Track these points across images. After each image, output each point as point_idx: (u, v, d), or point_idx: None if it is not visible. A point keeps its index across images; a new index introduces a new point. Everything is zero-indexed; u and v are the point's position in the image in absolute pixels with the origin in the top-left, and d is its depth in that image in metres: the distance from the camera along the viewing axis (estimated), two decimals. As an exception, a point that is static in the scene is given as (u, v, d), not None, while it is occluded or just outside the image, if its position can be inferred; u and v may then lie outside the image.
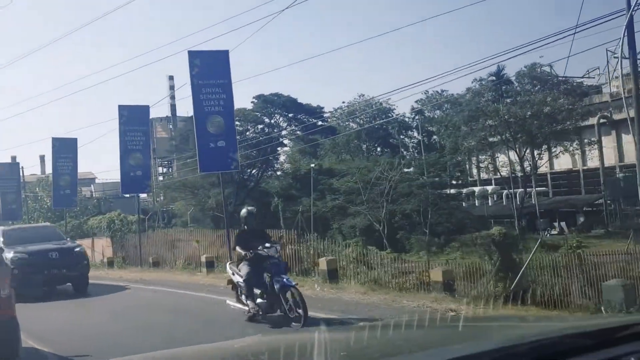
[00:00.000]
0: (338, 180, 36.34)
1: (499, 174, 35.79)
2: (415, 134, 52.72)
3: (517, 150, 33.44)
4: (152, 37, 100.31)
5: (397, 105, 56.54)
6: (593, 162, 37.77)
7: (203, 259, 17.11)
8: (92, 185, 47.75)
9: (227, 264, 9.77)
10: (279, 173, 44.03)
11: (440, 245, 30.81)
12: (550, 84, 35.69)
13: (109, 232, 27.41)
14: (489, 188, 40.88)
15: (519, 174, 35.13)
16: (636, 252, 16.78)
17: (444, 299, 8.24)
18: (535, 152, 34.30)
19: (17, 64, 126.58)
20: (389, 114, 48.96)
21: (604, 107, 37.22)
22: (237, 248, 8.81)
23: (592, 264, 17.87)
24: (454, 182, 40.76)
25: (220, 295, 10.72)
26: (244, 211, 9.67)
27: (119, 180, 47.80)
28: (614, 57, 38.86)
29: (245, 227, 9.36)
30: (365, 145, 51.49)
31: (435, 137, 50.15)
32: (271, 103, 40.92)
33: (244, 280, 8.55)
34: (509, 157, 34.86)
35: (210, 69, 14.17)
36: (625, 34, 14.38)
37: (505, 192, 38.34)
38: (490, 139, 34.49)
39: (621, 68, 38.67)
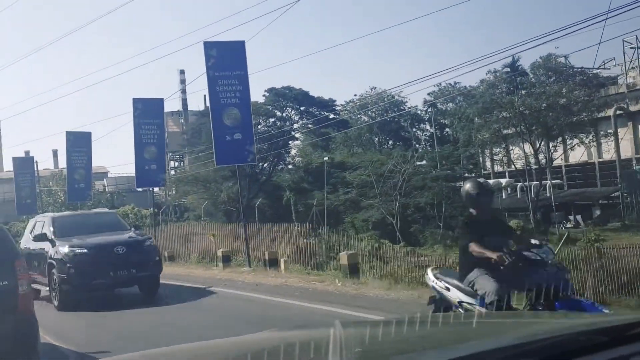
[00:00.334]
0: (351, 173, 36.16)
1: (513, 166, 35.42)
2: (428, 127, 52.34)
3: (532, 142, 33.07)
4: (163, 31, 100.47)
5: (409, 98, 56.19)
6: (609, 155, 37.30)
7: (219, 253, 16.94)
8: (104, 179, 47.87)
9: (429, 270, 6.13)
10: (290, 167, 43.94)
11: (455, 238, 30.54)
12: (565, 75, 35.22)
13: (122, 226, 27.29)
14: (503, 181, 40.53)
15: (534, 167, 34.76)
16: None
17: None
18: (550, 145, 33.91)
19: (27, 59, 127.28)
20: (401, 107, 48.64)
21: (620, 99, 36.72)
22: (473, 246, 5.29)
23: (612, 257, 17.64)
24: (467, 175, 40.44)
25: (242, 290, 10.53)
26: (470, 186, 5.83)
27: (132, 174, 48.20)
28: (631, 48, 38.42)
29: (476, 211, 5.72)
30: (377, 139, 51.20)
31: (447, 129, 49.77)
32: (283, 96, 40.76)
33: (488, 303, 4.96)
34: (523, 150, 34.49)
35: (226, 60, 13.98)
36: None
37: (519, 184, 37.99)
38: (505, 132, 34.13)
39: (639, 59, 38.36)
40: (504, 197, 39.97)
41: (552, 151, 34.21)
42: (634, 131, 36.86)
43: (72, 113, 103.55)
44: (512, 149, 36.01)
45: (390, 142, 51.15)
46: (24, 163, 34.75)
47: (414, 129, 52.22)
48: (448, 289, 5.45)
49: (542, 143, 33.63)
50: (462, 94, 44.65)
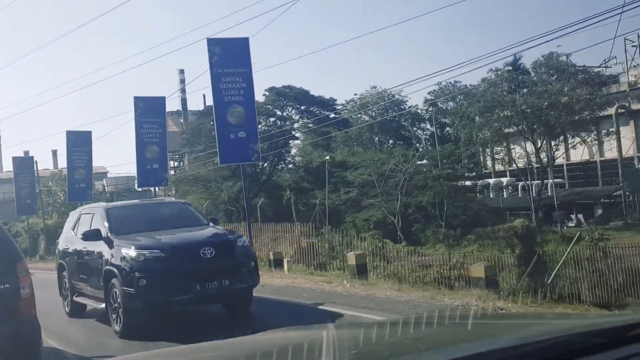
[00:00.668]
0: (352, 172, 36.03)
1: (515, 165, 35.32)
2: (428, 126, 52.24)
3: (534, 141, 32.96)
4: (161, 30, 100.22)
5: (410, 97, 56.10)
6: (610, 153, 37.19)
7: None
8: (104, 180, 47.69)
9: None
10: (290, 166, 43.81)
11: (457, 238, 30.42)
12: (567, 73, 35.13)
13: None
14: (504, 180, 40.39)
15: (535, 166, 34.65)
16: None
17: (488, 297, 7.76)
18: (552, 143, 33.80)
19: (26, 59, 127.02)
20: (402, 106, 48.54)
21: (621, 97, 36.61)
22: None
23: (616, 256, 17.48)
24: (467, 174, 40.33)
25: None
26: None
27: (131, 174, 48.19)
28: (632, 46, 38.30)
29: None
30: (377, 138, 51.10)
31: (448, 129, 49.66)
32: (283, 95, 40.61)
33: None
34: (525, 149, 34.38)
35: (230, 57, 13.80)
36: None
37: (520, 183, 37.86)
38: (506, 130, 34.03)
39: (640, 57, 38.23)
40: (504, 196, 39.85)
41: (553, 150, 34.10)
42: (635, 130, 36.76)
43: (71, 113, 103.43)
44: (513, 148, 35.91)
45: (391, 142, 51.05)
46: (24, 163, 34.54)
47: (415, 128, 52.10)
48: None
49: (544, 142, 33.52)
50: (462, 93, 44.53)
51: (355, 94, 52.20)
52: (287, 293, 10.38)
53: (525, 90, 35.05)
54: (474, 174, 41.01)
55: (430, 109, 50.00)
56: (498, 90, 35.55)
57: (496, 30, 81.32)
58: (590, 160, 38.91)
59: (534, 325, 2.52)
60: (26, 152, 41.89)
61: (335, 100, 43.93)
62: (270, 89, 39.56)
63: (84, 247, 9.45)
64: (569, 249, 14.34)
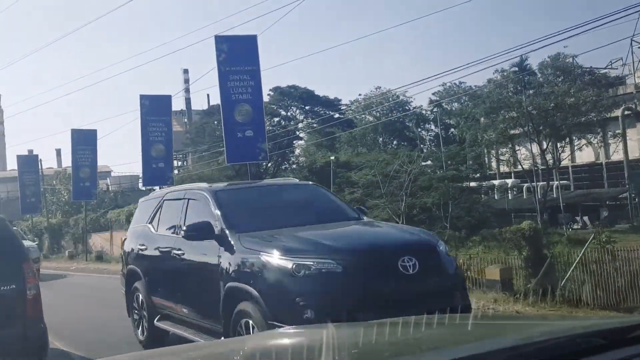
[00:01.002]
0: (356, 173, 35.96)
1: (520, 166, 35.17)
2: (433, 127, 52.11)
3: (539, 142, 32.82)
4: (165, 30, 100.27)
5: (414, 98, 55.93)
6: (616, 155, 37.01)
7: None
8: (107, 179, 47.67)
9: None
10: (294, 166, 43.76)
11: (461, 239, 30.28)
12: (573, 75, 34.99)
13: (128, 225, 27.06)
14: (509, 181, 40.24)
15: (541, 167, 34.50)
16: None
17: (505, 300, 7.60)
18: (558, 145, 33.65)
19: (30, 58, 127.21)
20: (406, 107, 48.44)
21: (628, 99, 36.42)
22: None
23: (625, 259, 17.33)
24: (472, 175, 40.21)
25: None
26: None
27: (135, 174, 48.17)
28: (639, 48, 38.08)
29: None
30: (381, 139, 51.00)
31: (452, 130, 49.52)
32: (288, 95, 40.57)
33: None
34: (531, 150, 34.23)
35: (238, 55, 13.67)
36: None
37: (525, 185, 37.71)
38: (511, 132, 33.90)
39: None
40: (509, 197, 39.68)
41: (559, 151, 33.96)
42: (643, 132, 36.57)
43: (74, 113, 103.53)
44: (518, 149, 35.75)
45: (395, 142, 50.92)
46: (28, 161, 34.48)
47: (419, 129, 51.99)
48: None
49: (550, 143, 33.37)
50: (468, 94, 44.39)
51: (360, 95, 52.04)
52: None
53: (531, 92, 34.93)
54: (478, 175, 40.89)
55: (435, 109, 49.87)
56: (504, 91, 35.43)
57: (503, 30, 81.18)
58: (596, 162, 38.73)
59: (534, 325, 2.50)
60: (30, 151, 41.90)
61: (340, 100, 43.95)
62: (275, 89, 39.54)
63: (179, 249, 6.56)
64: (582, 252, 14.17)
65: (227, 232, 5.85)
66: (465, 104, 46.59)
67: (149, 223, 7.61)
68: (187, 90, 56.52)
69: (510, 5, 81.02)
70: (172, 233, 6.92)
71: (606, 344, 1.79)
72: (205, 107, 52.38)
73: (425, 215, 33.59)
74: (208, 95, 54.95)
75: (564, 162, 36.66)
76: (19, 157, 35.47)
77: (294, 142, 43.57)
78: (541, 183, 34.60)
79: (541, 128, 32.33)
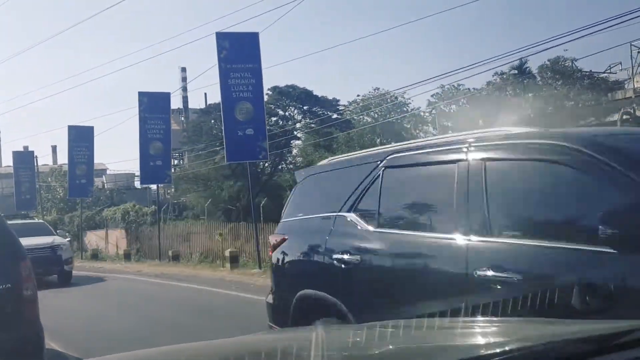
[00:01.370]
0: (354, 174, 35.82)
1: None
2: (431, 129, 52.00)
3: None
4: (163, 28, 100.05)
5: (412, 99, 55.88)
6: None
7: (227, 253, 16.37)
8: (103, 176, 47.37)
9: None
10: (291, 166, 43.56)
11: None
12: (573, 78, 34.95)
13: (123, 223, 26.91)
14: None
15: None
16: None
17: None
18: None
19: (24, 55, 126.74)
20: (405, 108, 48.31)
21: (627, 104, 36.37)
22: None
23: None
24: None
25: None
26: None
27: (131, 172, 47.88)
28: (639, 52, 38.04)
29: None
30: (379, 140, 50.84)
31: (450, 132, 49.43)
32: (286, 95, 40.32)
33: None
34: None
35: (239, 52, 13.46)
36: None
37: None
38: (510, 135, 33.87)
39: (647, 63, 37.99)
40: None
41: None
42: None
43: (70, 109, 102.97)
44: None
45: (392, 144, 50.79)
46: (24, 158, 34.22)
47: (417, 131, 51.90)
48: None
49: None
50: (467, 96, 44.34)
51: (358, 95, 51.86)
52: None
53: (530, 95, 34.86)
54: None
55: (433, 111, 49.76)
56: (503, 94, 35.35)
57: (503, 33, 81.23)
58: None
59: (525, 330, 2.45)
60: (26, 147, 41.56)
61: (338, 101, 43.71)
62: (273, 88, 39.28)
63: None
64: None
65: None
66: (463, 106, 46.52)
67: (350, 211, 4.16)
68: (184, 89, 56.28)
69: (511, 8, 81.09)
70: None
71: (595, 349, 1.78)
72: (203, 105, 52.14)
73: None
74: (205, 94, 54.72)
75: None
76: (14, 153, 35.22)
77: (291, 142, 43.36)
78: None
79: (540, 131, 32.30)
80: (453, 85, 48.95)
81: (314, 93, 41.26)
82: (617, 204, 2.81)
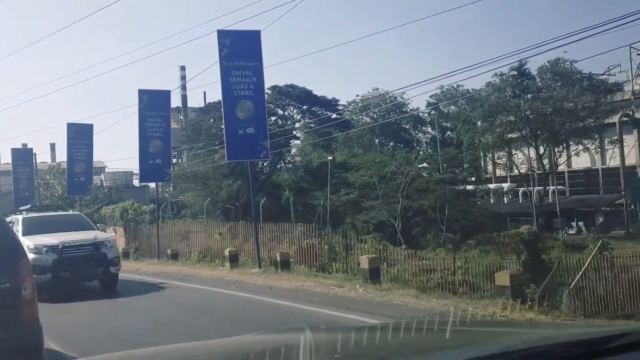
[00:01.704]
0: (353, 174, 35.78)
1: (517, 170, 35.12)
2: (430, 130, 52.02)
3: (537, 147, 32.78)
4: (162, 26, 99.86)
5: (411, 100, 55.87)
6: (612, 162, 37.01)
7: (226, 252, 16.29)
8: (102, 174, 47.25)
9: None
10: (290, 166, 43.52)
11: (457, 242, 30.23)
12: (572, 80, 35.00)
13: (122, 221, 26.83)
14: (505, 185, 40.19)
15: (537, 172, 34.46)
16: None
17: (515, 307, 7.37)
18: (555, 150, 33.63)
19: (24, 51, 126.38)
20: (404, 109, 48.32)
21: (625, 105, 36.45)
22: None
23: (624, 267, 17.22)
24: (469, 178, 40.18)
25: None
26: None
27: (129, 170, 47.75)
28: (638, 54, 38.10)
29: None
30: (378, 140, 50.85)
31: (449, 132, 49.43)
32: (286, 94, 40.27)
33: None
34: (528, 154, 34.20)
35: (240, 50, 13.39)
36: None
37: (521, 189, 37.67)
38: (509, 135, 33.86)
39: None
40: (505, 202, 39.64)
41: (556, 156, 33.93)
42: (639, 138, 36.60)
43: (68, 107, 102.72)
44: (515, 154, 35.70)
45: (392, 144, 50.79)
46: (23, 155, 34.12)
47: (416, 132, 51.90)
48: None
49: (547, 148, 33.34)
50: (466, 97, 44.34)
51: (357, 95, 51.85)
52: (297, 297, 9.95)
53: (529, 96, 34.89)
54: (474, 178, 40.86)
55: (432, 112, 49.79)
56: (502, 95, 35.39)
57: (502, 34, 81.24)
58: (592, 168, 38.74)
59: (516, 334, 2.49)
60: (24, 145, 41.45)
61: (337, 100, 43.70)
62: (273, 88, 39.23)
63: None
64: (589, 260, 14.05)
65: None
66: (462, 107, 46.53)
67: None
68: (183, 87, 56.14)
69: (512, 9, 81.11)
70: None
71: (586, 353, 1.80)
72: (202, 104, 52.07)
73: (420, 218, 33.50)
74: (204, 92, 54.66)
75: (560, 168, 36.66)
76: (13, 150, 35.10)
77: (290, 141, 43.33)
78: (537, 188, 34.55)
79: (539, 132, 32.29)
80: (452, 86, 49.07)
81: (314, 93, 41.20)
82: None
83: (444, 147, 42.28)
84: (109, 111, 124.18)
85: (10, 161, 36.61)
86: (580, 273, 13.09)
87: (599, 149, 36.17)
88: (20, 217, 13.52)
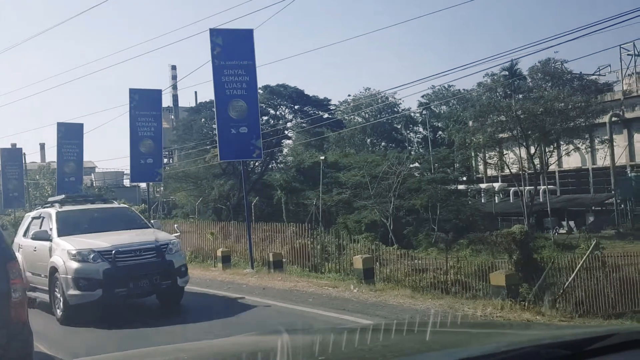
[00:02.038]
0: (344, 174, 35.76)
1: (508, 170, 35.25)
2: (421, 129, 52.14)
3: (528, 146, 32.91)
4: (153, 25, 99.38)
5: (403, 100, 56.02)
6: (602, 161, 37.24)
7: (219, 253, 16.20)
8: (92, 174, 46.96)
9: None
10: (281, 166, 43.43)
11: (449, 242, 30.30)
12: (563, 80, 35.16)
13: (112, 222, 26.58)
14: (496, 185, 40.32)
15: (528, 172, 34.60)
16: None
17: (512, 307, 7.33)
18: (546, 150, 33.77)
19: (12, 51, 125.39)
20: (395, 109, 48.38)
21: (615, 105, 36.68)
22: None
23: (615, 266, 17.32)
24: (460, 178, 40.30)
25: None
26: None
27: (119, 170, 47.48)
28: (628, 55, 38.38)
29: None
30: (369, 140, 50.91)
31: (440, 132, 49.58)
32: (277, 94, 40.15)
33: None
34: (519, 154, 34.33)
35: (233, 49, 13.28)
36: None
37: (512, 189, 37.81)
38: (500, 135, 33.97)
39: (635, 66, 38.36)
40: (496, 201, 39.77)
41: (547, 156, 34.08)
42: (628, 138, 36.84)
43: (58, 107, 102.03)
44: (506, 153, 35.82)
45: (383, 144, 50.86)
46: (12, 155, 33.76)
47: (408, 131, 52.01)
48: None
49: (537, 148, 33.49)
50: (457, 97, 44.47)
51: (349, 95, 51.87)
52: (291, 298, 9.86)
53: (520, 96, 35.02)
54: (465, 178, 40.99)
55: (423, 112, 49.90)
56: (493, 95, 35.50)
57: (494, 34, 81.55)
58: (582, 167, 38.96)
59: (501, 335, 2.49)
60: (13, 145, 41.11)
61: (329, 100, 43.64)
62: (265, 87, 39.10)
63: None
64: (583, 259, 14.09)
65: None
66: (454, 107, 46.66)
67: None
68: (174, 87, 55.92)
69: (503, 9, 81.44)
70: None
71: (571, 354, 1.80)
72: (193, 104, 51.89)
73: (412, 217, 33.54)
74: (196, 92, 54.60)
75: (551, 167, 36.83)
76: (2, 150, 34.74)
77: (282, 141, 43.23)
78: (528, 187, 34.69)
79: (530, 132, 32.42)
80: (444, 87, 49.22)
81: (305, 93, 41.11)
82: None
83: (435, 147, 42.38)
84: (99, 111, 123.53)
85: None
86: (574, 273, 13.11)
87: (589, 149, 36.37)
88: (53, 212, 10.33)
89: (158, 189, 43.58)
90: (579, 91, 33.74)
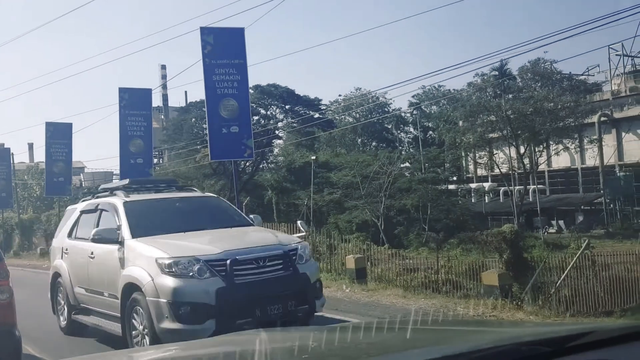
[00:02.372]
0: (335, 174, 35.78)
1: (498, 169, 35.43)
2: (412, 129, 52.27)
3: (517, 146, 33.08)
4: (142, 25, 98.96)
5: (394, 100, 56.12)
6: (591, 161, 37.50)
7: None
8: (81, 175, 46.64)
9: None
10: (272, 165, 43.36)
11: (440, 241, 30.35)
12: (552, 80, 35.37)
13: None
14: (486, 185, 40.49)
15: (518, 171, 34.78)
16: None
17: (505, 307, 7.34)
18: (535, 149, 33.97)
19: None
20: (386, 109, 48.47)
21: (604, 105, 36.96)
22: None
23: (605, 265, 17.45)
24: (451, 178, 40.44)
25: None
26: None
27: (109, 170, 47.14)
28: (617, 55, 38.70)
29: None
30: (360, 140, 50.97)
31: (431, 132, 49.73)
32: (268, 94, 40.06)
33: None
34: (509, 154, 34.50)
35: (224, 48, 13.22)
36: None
37: (502, 189, 37.98)
38: (490, 135, 34.12)
39: (624, 66, 38.66)
40: (486, 201, 39.94)
41: (537, 156, 34.27)
42: (617, 138, 37.12)
43: (47, 106, 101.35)
44: (496, 153, 36.00)
45: (374, 144, 50.94)
46: (0, 154, 33.45)
47: (398, 131, 52.12)
48: None
49: (527, 147, 33.67)
50: (447, 97, 44.63)
51: (340, 95, 51.90)
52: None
53: (510, 96, 35.18)
54: (455, 178, 41.14)
55: (414, 112, 50.05)
56: (483, 95, 35.65)
57: (484, 34, 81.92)
58: (572, 167, 39.21)
59: (483, 332, 2.49)
60: (1, 145, 40.72)
61: (320, 100, 43.63)
62: (255, 87, 39.00)
63: None
64: (574, 259, 14.16)
65: None
66: (444, 107, 46.82)
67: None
68: (164, 87, 55.67)
69: (494, 9, 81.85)
70: None
71: (551, 351, 1.81)
72: (183, 103, 51.71)
73: (403, 217, 33.61)
74: (186, 92, 54.44)
75: (541, 167, 37.03)
76: (-11, 149, 34.42)
77: (273, 141, 43.17)
78: (518, 187, 34.87)
79: (519, 132, 32.58)
80: (434, 87, 49.37)
81: (296, 92, 41.07)
82: None
83: (425, 147, 42.49)
84: (88, 110, 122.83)
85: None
86: (566, 272, 13.18)
87: (578, 149, 36.63)
88: (119, 203, 7.38)
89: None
90: (568, 91, 33.97)
